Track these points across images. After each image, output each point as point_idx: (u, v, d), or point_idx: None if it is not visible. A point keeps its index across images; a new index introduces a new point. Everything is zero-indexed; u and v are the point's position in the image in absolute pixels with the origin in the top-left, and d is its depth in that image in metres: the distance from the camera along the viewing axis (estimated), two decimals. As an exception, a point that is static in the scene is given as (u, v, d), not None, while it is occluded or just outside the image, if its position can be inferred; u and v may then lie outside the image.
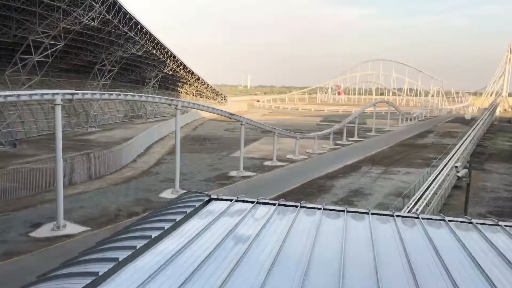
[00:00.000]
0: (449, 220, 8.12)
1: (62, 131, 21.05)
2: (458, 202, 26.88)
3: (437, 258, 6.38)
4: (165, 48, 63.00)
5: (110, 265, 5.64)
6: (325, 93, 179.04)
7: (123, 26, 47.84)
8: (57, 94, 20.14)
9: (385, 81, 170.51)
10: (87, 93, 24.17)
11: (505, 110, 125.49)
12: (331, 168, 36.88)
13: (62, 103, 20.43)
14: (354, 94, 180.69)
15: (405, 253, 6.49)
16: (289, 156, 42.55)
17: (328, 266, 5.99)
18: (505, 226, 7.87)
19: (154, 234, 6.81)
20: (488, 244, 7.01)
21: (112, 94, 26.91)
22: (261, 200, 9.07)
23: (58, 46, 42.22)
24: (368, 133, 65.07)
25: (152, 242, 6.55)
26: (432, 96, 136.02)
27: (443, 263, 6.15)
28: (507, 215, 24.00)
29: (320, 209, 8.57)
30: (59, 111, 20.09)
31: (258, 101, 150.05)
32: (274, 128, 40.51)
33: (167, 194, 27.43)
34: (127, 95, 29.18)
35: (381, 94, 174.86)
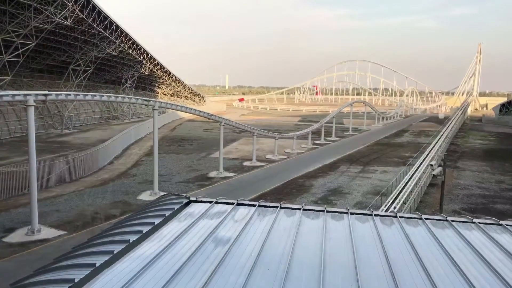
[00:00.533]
0: (426, 218, 8.29)
1: (35, 133, 20.44)
2: (433, 200, 27.53)
3: (415, 256, 6.50)
4: (141, 48, 62.16)
5: (86, 271, 5.50)
6: (303, 93, 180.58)
7: (97, 26, 46.92)
8: (30, 95, 19.54)
9: (361, 81, 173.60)
10: (61, 94, 23.54)
11: (476, 109, 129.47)
12: (310, 168, 37.16)
13: (35, 104, 19.84)
14: (331, 94, 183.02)
15: (383, 252, 6.58)
16: (269, 156, 42.66)
17: (308, 266, 6.02)
18: (479, 223, 8.09)
19: (132, 238, 6.69)
20: (463, 241, 7.19)
21: (87, 95, 26.32)
22: (241, 202, 9.04)
23: (30, 46, 41.04)
24: (345, 133, 65.91)
25: (130, 246, 6.42)
26: (407, 96, 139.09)
27: (420, 260, 6.28)
28: (480, 211, 24.72)
29: (300, 209, 8.61)
30: (31, 113, 19.50)
31: (242, 100, 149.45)
32: (253, 129, 40.52)
33: (146, 196, 27.05)
34: (103, 95, 28.52)
35: (358, 94, 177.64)
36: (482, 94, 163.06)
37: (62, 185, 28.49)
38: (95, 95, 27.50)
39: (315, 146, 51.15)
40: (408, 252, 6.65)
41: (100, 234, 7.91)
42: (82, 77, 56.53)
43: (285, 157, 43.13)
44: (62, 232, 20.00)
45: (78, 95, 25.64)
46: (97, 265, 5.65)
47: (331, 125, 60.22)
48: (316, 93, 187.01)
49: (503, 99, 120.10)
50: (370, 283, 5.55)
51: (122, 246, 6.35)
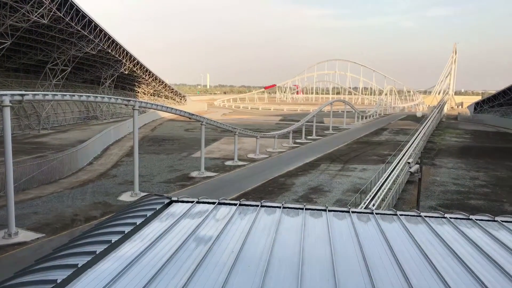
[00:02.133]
0: (401, 214, 8.60)
1: (11, 134, 20.06)
2: (411, 196, 28.22)
3: (389, 250, 6.77)
4: (121, 47, 61.37)
5: (69, 272, 5.55)
6: (284, 92, 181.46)
7: (75, 24, 46.13)
8: (5, 95, 19.16)
9: (341, 80, 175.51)
10: (38, 94, 23.13)
11: (452, 107, 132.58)
12: (291, 166, 37.52)
13: (10, 104, 19.47)
14: (312, 93, 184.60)
15: (360, 247, 6.83)
16: (250, 155, 42.84)
17: (288, 263, 6.20)
18: (450, 218, 8.45)
19: (114, 238, 6.74)
20: (435, 236, 7.51)
21: (65, 95, 25.94)
22: (222, 201, 9.18)
23: (5, 45, 40.04)
24: (326, 131, 66.67)
25: (112, 247, 6.48)
26: (386, 94, 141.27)
27: (395, 255, 6.55)
28: (455, 207, 25.48)
29: (280, 207, 8.80)
30: (7, 113, 19.13)
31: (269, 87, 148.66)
32: (235, 128, 40.62)
33: (126, 197, 26.86)
34: (82, 95, 28.13)
35: (338, 93, 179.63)
36: (457, 93, 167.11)
37: (40, 187, 28.00)
38: (74, 95, 27.12)
39: (296, 145, 51.61)
40: (383, 247, 6.92)
41: (81, 235, 7.92)
42: (59, 76, 55.43)
43: (267, 156, 43.40)
44: (40, 235, 19.70)
45: (56, 95, 25.21)
46: (79, 265, 5.70)
47: (312, 124, 60.83)
48: (297, 92, 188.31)
49: (478, 98, 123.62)
50: (347, 278, 5.78)
51: (104, 246, 6.40)
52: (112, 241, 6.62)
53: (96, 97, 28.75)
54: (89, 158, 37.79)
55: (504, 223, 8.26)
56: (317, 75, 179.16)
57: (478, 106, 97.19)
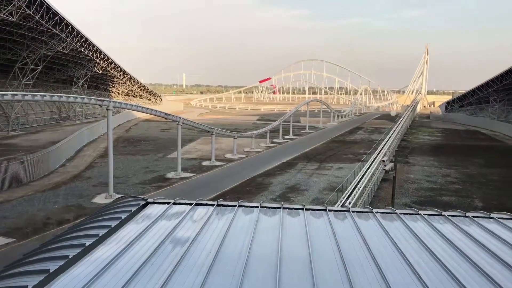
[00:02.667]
0: (376, 212, 8.75)
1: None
2: (386, 194, 28.79)
3: (365, 247, 6.87)
4: (94, 46, 60.02)
5: (40, 278, 5.36)
6: (261, 92, 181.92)
7: (46, 22, 44.82)
8: (-28, 95, 18.45)
9: (317, 80, 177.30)
10: (7, 94, 22.42)
11: (424, 107, 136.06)
12: (268, 166, 37.64)
13: (-22, 105, 18.75)
14: (289, 93, 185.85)
15: (337, 245, 6.90)
16: (228, 156, 42.73)
17: (265, 263, 6.20)
18: (424, 214, 8.65)
19: (88, 241, 6.57)
20: (409, 232, 7.67)
21: (36, 95, 25.23)
22: (199, 202, 9.09)
23: (-29, 43, 38.55)
24: (302, 131, 67.22)
25: (86, 250, 6.31)
26: (361, 94, 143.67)
27: (371, 252, 6.65)
28: (428, 203, 26.15)
29: (257, 207, 8.79)
30: (-26, 114, 18.42)
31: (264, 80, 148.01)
32: (212, 128, 40.43)
33: (101, 199, 26.32)
34: (53, 95, 27.35)
35: (314, 93, 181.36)
36: (429, 93, 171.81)
37: (9, 190, 27.09)
38: (45, 95, 26.41)
39: (273, 145, 51.82)
40: (359, 244, 7.01)
41: (53, 239, 7.69)
42: (30, 76, 53.74)
43: (244, 156, 43.39)
44: (10, 240, 19.05)
45: (26, 95, 24.47)
46: (51, 270, 5.51)
47: (289, 123, 61.23)
48: (274, 92, 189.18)
49: (449, 97, 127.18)
50: (324, 276, 5.82)
51: (78, 250, 6.22)
52: (86, 245, 6.44)
53: (69, 97, 28.07)
54: (61, 159, 36.83)
55: (474, 218, 8.52)
56: (294, 75, 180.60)
57: (449, 105, 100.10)
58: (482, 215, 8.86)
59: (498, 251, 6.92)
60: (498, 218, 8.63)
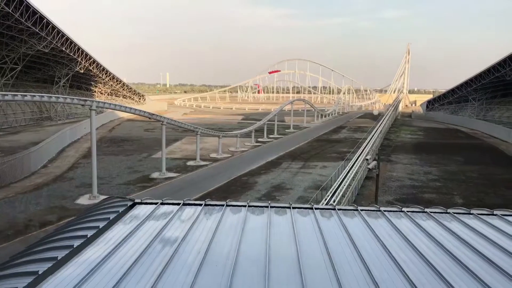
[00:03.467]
0: (361, 210, 8.94)
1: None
2: (369, 192, 29.22)
3: (352, 244, 7.04)
4: (75, 45, 59.11)
5: (29, 280, 5.33)
6: (246, 91, 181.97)
7: (26, 21, 43.94)
8: (-50, 95, 18.00)
9: (300, 79, 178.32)
10: (-14, 94, 21.90)
11: (406, 106, 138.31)
12: (253, 165, 37.74)
13: (-44, 105, 18.31)
14: (273, 92, 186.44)
15: (324, 243, 7.04)
16: (213, 155, 42.66)
17: (254, 261, 6.29)
18: (407, 211, 8.88)
19: (76, 243, 6.55)
20: (394, 229, 7.88)
21: (16, 95, 24.74)
22: (187, 202, 9.13)
23: None
24: (287, 130, 67.55)
25: (75, 252, 6.29)
26: (344, 93, 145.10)
27: (357, 249, 6.81)
28: (411, 201, 26.66)
29: (245, 206, 8.88)
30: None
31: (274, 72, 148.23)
32: (196, 128, 40.29)
33: (84, 200, 26.01)
34: (34, 95, 26.86)
35: (298, 92, 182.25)
36: (411, 92, 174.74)
37: (-11, 192, 26.50)
38: (26, 95, 25.91)
39: (258, 144, 51.95)
40: (346, 242, 7.17)
41: (40, 240, 7.62)
42: (9, 75, 52.59)
43: (229, 155, 43.39)
44: (-9, 243, 18.67)
45: (6, 95, 23.98)
46: (40, 272, 5.49)
47: (273, 123, 61.46)
48: (258, 92, 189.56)
49: (429, 96, 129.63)
50: (312, 273, 5.95)
51: (66, 251, 6.20)
52: (74, 246, 6.42)
53: (51, 97, 27.66)
54: (43, 160, 36.19)
55: (455, 214, 8.80)
56: (278, 74, 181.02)
57: (430, 104, 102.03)
58: (462, 211, 9.15)
59: (478, 245, 7.18)
60: (478, 214, 8.93)
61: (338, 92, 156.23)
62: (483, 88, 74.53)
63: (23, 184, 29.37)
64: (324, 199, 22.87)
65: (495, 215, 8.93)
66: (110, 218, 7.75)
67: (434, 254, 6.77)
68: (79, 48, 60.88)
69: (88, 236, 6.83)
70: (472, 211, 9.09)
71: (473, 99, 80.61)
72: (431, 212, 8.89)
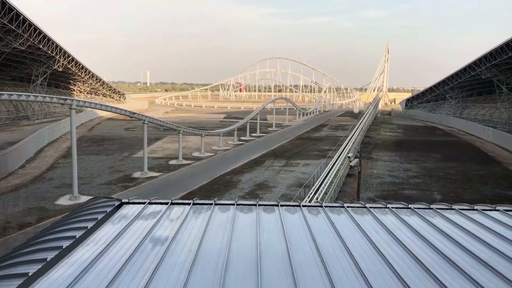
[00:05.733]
0: (348, 206, 9.13)
1: None
2: (351, 189, 29.67)
3: (339, 240, 7.20)
4: (53, 42, 57.80)
5: (19, 281, 5.26)
6: (227, 90, 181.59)
7: (1, 18, 42.72)
8: None
9: (282, 78, 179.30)
10: (-38, 93, 21.26)
11: (386, 104, 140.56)
12: (236, 164, 37.78)
13: None
14: (255, 91, 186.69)
15: (312, 239, 7.18)
16: (195, 154, 42.48)
17: (245, 258, 6.37)
18: (392, 207, 9.11)
19: (65, 243, 6.48)
20: (379, 224, 8.08)
21: (-7, 94, 24.05)
22: (175, 201, 9.13)
23: None
24: (269, 128, 67.80)
25: (64, 252, 6.23)
26: (325, 92, 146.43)
27: (345, 244, 6.98)
28: (392, 197, 27.21)
29: (233, 204, 8.95)
30: None
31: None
32: (178, 126, 40.03)
33: (64, 201, 25.57)
34: (12, 94, 26.20)
35: (279, 90, 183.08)
36: (390, 90, 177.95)
37: (-35, 194, 25.77)
38: (3, 94, 25.23)
39: (241, 142, 51.98)
40: (333, 238, 7.33)
41: (27, 242, 7.50)
42: (-17, 73, 51.07)
43: (212, 154, 43.30)
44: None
45: (-17, 94, 23.30)
46: (30, 274, 5.42)
47: (256, 121, 61.59)
48: (240, 90, 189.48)
49: (408, 95, 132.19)
50: (303, 268, 6.07)
51: (55, 252, 6.14)
52: (63, 247, 6.36)
53: (29, 96, 27.03)
54: (21, 161, 35.35)
55: (438, 210, 9.08)
56: (259, 73, 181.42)
57: (409, 102, 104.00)
58: (444, 206, 9.44)
59: (460, 239, 7.45)
60: (459, 209, 9.24)
61: (319, 91, 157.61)
62: (460, 86, 76.46)
63: None
64: (307, 197, 23.10)
65: (476, 209, 9.26)
66: (98, 218, 7.69)
67: (419, 248, 6.99)
68: (57, 46, 59.57)
69: (77, 237, 6.77)
70: (454, 207, 9.39)
71: (450, 97, 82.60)
72: (415, 208, 9.15)
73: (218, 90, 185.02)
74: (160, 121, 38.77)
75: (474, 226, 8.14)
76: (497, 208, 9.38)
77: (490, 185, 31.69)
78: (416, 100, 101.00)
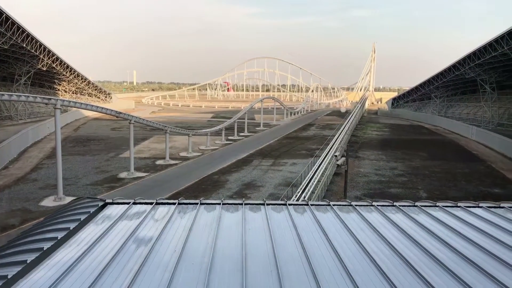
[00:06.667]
0: (333, 205, 9.15)
1: None
2: (338, 188, 29.84)
3: (325, 238, 7.20)
4: (37, 41, 56.80)
5: (-3, 285, 5.14)
6: (215, 89, 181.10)
7: (-17, 15, 41.86)
8: None
9: (270, 77, 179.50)
10: None
11: (372, 103, 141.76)
12: (224, 163, 37.67)
13: None
14: (242, 90, 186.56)
15: (298, 238, 7.17)
16: (183, 154, 42.23)
17: (231, 257, 6.33)
18: (377, 205, 9.17)
19: (46, 245, 6.35)
20: (365, 222, 8.12)
21: (-26, 93, 23.54)
22: (160, 201, 9.04)
23: None
24: (257, 128, 67.80)
25: (45, 254, 6.10)
26: (312, 91, 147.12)
27: (330, 242, 6.98)
28: (378, 195, 27.44)
29: (219, 204, 8.89)
30: None
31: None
32: (165, 126, 39.75)
33: (49, 202, 25.18)
34: (-6, 94, 25.69)
35: (267, 90, 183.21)
36: (377, 89, 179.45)
37: None
38: (-15, 93, 24.72)
39: (228, 142, 51.86)
40: (319, 236, 7.33)
41: (7, 244, 7.33)
42: (-36, 72, 49.93)
43: (200, 154, 43.11)
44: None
45: (-37, 93, 22.78)
46: (9, 276, 5.29)
47: (244, 121, 61.51)
48: (228, 90, 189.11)
49: (394, 94, 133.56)
50: (288, 267, 6.05)
51: (36, 254, 6.00)
52: (44, 249, 6.22)
53: (11, 95, 26.53)
54: (4, 161, 34.71)
55: (422, 207, 9.16)
56: (247, 72, 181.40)
57: (395, 102, 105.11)
58: (429, 204, 9.54)
59: (444, 236, 7.53)
60: (443, 206, 9.34)
61: (307, 90, 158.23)
62: (445, 86, 77.55)
63: (-18, 186, 28.08)
64: (294, 196, 23.15)
65: (459, 207, 9.37)
66: (81, 219, 7.56)
67: (404, 245, 7.04)
68: (41, 45, 58.56)
69: (59, 238, 6.64)
70: (437, 204, 9.49)
71: (435, 97, 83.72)
72: (399, 205, 9.22)
73: (206, 89, 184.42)
74: (147, 120, 38.44)
75: (457, 223, 8.23)
76: (480, 205, 9.51)
77: (474, 183, 32.21)
78: (402, 99, 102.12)
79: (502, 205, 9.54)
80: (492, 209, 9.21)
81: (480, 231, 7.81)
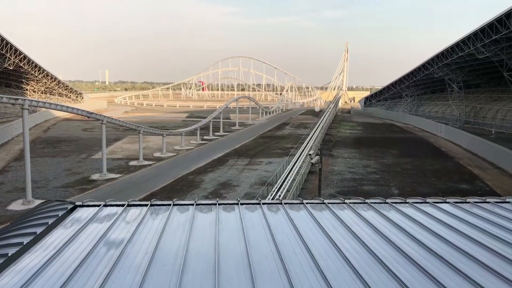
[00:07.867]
0: (307, 203, 9.22)
1: None
2: (313, 186, 30.14)
3: (298, 237, 7.25)
4: (3, 39, 54.77)
5: (-43, 294, 4.91)
6: (189, 89, 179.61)
7: None
8: None
9: (245, 77, 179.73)
10: None
11: (345, 102, 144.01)
12: (199, 164, 37.42)
13: None
14: (217, 90, 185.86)
15: (272, 237, 7.19)
16: (157, 154, 41.68)
17: (204, 258, 6.28)
18: (350, 203, 9.30)
19: (11, 251, 6.12)
20: (337, 220, 8.22)
21: None
22: (132, 203, 8.88)
23: None
24: (232, 127, 67.70)
25: (10, 261, 5.88)
26: (287, 91, 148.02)
27: (303, 241, 7.03)
28: (352, 193, 27.90)
29: (193, 204, 8.81)
30: None
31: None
32: (139, 126, 39.12)
33: (17, 206, 24.36)
34: (-44, 94, 24.67)
35: (242, 89, 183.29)
36: (350, 89, 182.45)
37: None
38: None
39: (204, 142, 51.55)
40: (292, 234, 7.38)
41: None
42: None
43: (174, 154, 42.65)
44: None
45: None
46: (-30, 285, 5.08)
47: (219, 120, 61.31)
48: (203, 89, 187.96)
49: (367, 93, 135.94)
50: (261, 266, 6.06)
51: (0, 261, 5.77)
52: (9, 255, 5.99)
53: (-25, 95, 25.41)
54: (-32, 164, 33.27)
55: (393, 204, 9.36)
56: (222, 71, 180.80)
57: (367, 101, 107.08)
58: (399, 200, 9.75)
59: (413, 231, 7.71)
60: (412, 202, 9.57)
61: (281, 90, 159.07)
62: (415, 85, 79.61)
63: None
64: (270, 195, 23.24)
65: (428, 203, 9.62)
66: (49, 223, 7.33)
67: (375, 242, 7.17)
68: (7, 43, 56.48)
69: (24, 243, 6.41)
70: (407, 200, 9.72)
71: (406, 95, 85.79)
72: (371, 202, 9.38)
73: (180, 89, 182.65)
74: (119, 121, 37.75)
75: (426, 219, 8.45)
76: (447, 200, 9.80)
77: (443, 179, 33.21)
78: (375, 98, 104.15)
79: (468, 200, 9.86)
80: (459, 204, 9.51)
81: (448, 226, 8.05)
